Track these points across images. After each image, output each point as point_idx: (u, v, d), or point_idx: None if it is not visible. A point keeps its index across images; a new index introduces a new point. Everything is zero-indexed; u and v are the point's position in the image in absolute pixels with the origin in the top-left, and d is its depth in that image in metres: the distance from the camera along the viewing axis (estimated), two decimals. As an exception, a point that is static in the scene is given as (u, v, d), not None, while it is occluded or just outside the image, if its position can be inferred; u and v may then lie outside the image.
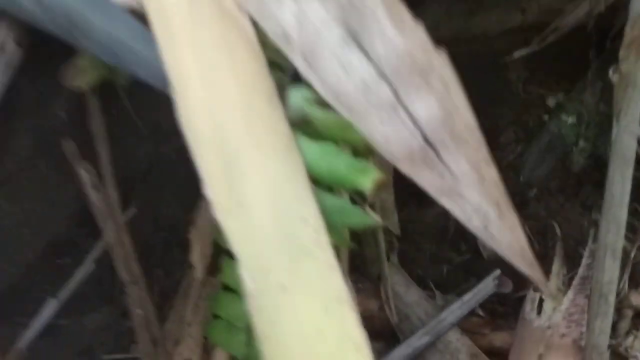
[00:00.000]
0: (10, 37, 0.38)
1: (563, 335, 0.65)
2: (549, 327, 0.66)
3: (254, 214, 0.31)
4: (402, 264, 0.93)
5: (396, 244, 0.88)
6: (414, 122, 0.32)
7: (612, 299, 0.59)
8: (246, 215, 0.31)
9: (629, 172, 0.56)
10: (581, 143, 0.80)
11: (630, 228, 0.86)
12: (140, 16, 0.36)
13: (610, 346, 0.77)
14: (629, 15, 0.55)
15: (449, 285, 0.90)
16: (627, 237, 0.84)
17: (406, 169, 0.33)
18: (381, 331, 0.78)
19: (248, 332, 0.46)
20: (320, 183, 0.33)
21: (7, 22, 0.38)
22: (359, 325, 0.31)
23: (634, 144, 0.56)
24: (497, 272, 0.75)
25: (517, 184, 1.06)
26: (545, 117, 0.87)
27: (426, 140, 0.32)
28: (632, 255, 0.74)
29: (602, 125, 0.80)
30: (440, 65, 0.31)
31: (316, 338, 0.30)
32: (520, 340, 0.67)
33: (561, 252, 0.81)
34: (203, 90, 0.33)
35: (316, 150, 0.33)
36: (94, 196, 0.46)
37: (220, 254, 0.49)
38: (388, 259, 0.83)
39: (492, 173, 0.33)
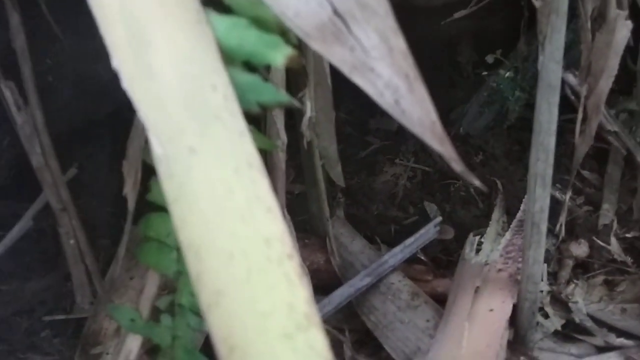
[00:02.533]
0: None
1: (500, 270, 0.66)
2: (486, 264, 0.67)
3: (162, 81, 0.31)
4: (353, 226, 0.94)
5: (342, 199, 0.88)
6: (345, 24, 0.32)
7: (543, 227, 0.60)
8: (155, 83, 0.31)
9: (555, 99, 0.57)
10: (517, 93, 0.82)
11: (561, 182, 0.89)
12: None
13: (551, 292, 0.79)
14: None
15: (397, 243, 0.91)
16: (558, 189, 0.86)
17: (318, 46, 0.33)
18: (328, 283, 0.77)
19: (178, 249, 0.45)
20: (232, 59, 0.33)
21: None
22: (270, 189, 0.30)
23: (559, 71, 0.57)
24: (439, 219, 0.76)
25: (464, 153, 1.08)
26: (484, 73, 0.88)
27: (335, 12, 0.33)
28: (565, 204, 0.75)
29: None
30: None
31: (226, 197, 0.29)
32: (459, 277, 0.68)
33: (502, 202, 0.83)
34: None
35: (226, 25, 0.33)
36: (18, 118, 0.45)
37: (150, 172, 0.48)
38: (334, 213, 0.83)
39: (400, 44, 0.33)
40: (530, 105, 0.85)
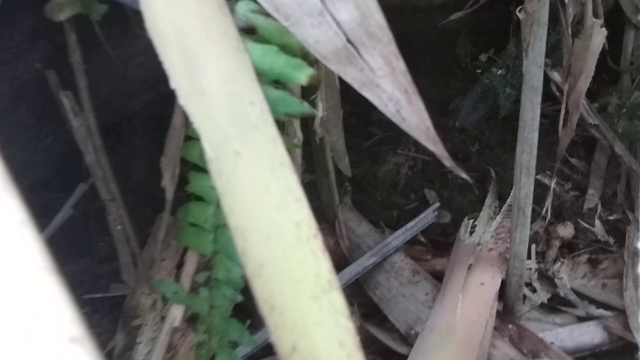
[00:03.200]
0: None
1: (490, 250, 0.74)
2: (478, 244, 0.75)
3: (211, 99, 0.39)
4: (359, 204, 1.01)
5: (349, 187, 0.96)
6: (338, 25, 0.40)
7: (528, 211, 0.68)
8: (206, 100, 0.39)
9: (537, 99, 0.64)
10: (508, 90, 0.89)
11: (550, 169, 0.96)
12: None
13: (538, 269, 0.87)
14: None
15: (399, 227, 0.99)
16: (548, 175, 0.94)
17: (334, 67, 0.41)
18: (337, 263, 0.85)
19: (214, 231, 0.53)
20: (264, 79, 0.41)
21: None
22: (299, 184, 0.38)
23: (541, 74, 0.64)
24: (437, 205, 0.83)
25: (462, 143, 1.16)
26: (478, 71, 0.96)
27: (348, 40, 0.40)
28: (551, 190, 0.83)
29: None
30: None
31: (264, 190, 0.37)
32: (454, 256, 0.76)
33: (494, 189, 0.90)
34: (165, 1, 0.40)
35: (260, 51, 0.41)
36: (74, 122, 0.53)
37: (189, 170, 0.56)
38: (342, 200, 0.91)
39: (400, 65, 0.40)
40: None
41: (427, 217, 0.81)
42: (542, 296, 0.80)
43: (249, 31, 0.41)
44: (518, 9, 0.62)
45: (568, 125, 0.74)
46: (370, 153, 1.19)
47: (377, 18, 0.40)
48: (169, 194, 0.60)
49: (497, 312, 0.69)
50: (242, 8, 0.41)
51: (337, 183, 0.91)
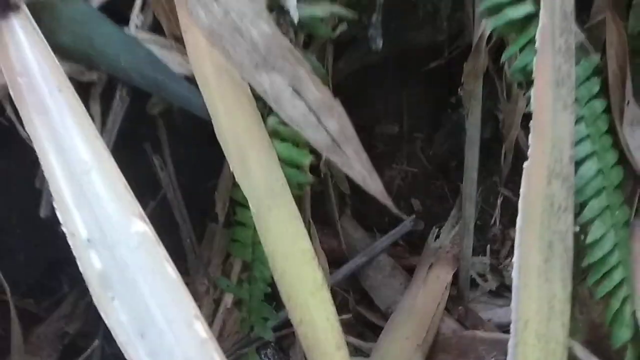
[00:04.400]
0: (123, 89, 0.72)
1: (447, 252, 1.00)
2: (440, 247, 1.01)
3: (254, 176, 0.66)
4: (357, 214, 1.28)
5: (349, 201, 1.23)
6: (327, 131, 0.66)
7: (471, 226, 0.94)
8: (250, 177, 0.66)
9: (475, 149, 0.90)
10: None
11: (506, 183, 1.21)
12: (192, 80, 0.70)
13: (491, 264, 1.13)
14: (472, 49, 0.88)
15: (389, 231, 1.25)
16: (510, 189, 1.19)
17: (326, 154, 0.67)
18: (338, 260, 1.12)
19: (252, 246, 0.80)
20: (284, 162, 0.68)
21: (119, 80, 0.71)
22: (304, 226, 0.65)
23: (478, 132, 0.90)
24: (413, 216, 1.09)
25: (446, 159, 1.41)
26: (449, 110, 1.21)
27: (333, 139, 0.67)
28: (498, 204, 1.08)
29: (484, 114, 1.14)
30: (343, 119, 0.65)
31: (284, 231, 0.64)
32: (423, 257, 1.02)
33: (459, 202, 1.16)
34: (227, 118, 0.67)
35: (281, 146, 0.67)
36: (162, 174, 0.80)
37: (236, 205, 0.83)
38: (343, 212, 1.17)
39: (359, 147, 0.67)
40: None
41: (405, 225, 1.08)
42: (492, 284, 1.06)
43: (274, 134, 0.68)
44: (459, 88, 0.88)
45: (505, 161, 0.99)
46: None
47: (349, 127, 0.66)
48: (221, 217, 0.87)
49: (452, 296, 0.96)
50: (271, 120, 0.68)
51: (339, 197, 1.18)
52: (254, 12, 0.65)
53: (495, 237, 1.18)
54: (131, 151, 0.80)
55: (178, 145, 0.84)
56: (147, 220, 0.56)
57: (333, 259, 1.08)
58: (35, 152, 0.62)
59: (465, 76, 0.85)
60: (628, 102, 1.01)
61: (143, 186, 0.90)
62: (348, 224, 1.13)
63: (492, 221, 1.10)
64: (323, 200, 1.19)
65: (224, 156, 0.65)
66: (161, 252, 0.55)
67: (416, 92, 1.35)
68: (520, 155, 1.07)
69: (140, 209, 0.57)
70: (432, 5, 1.01)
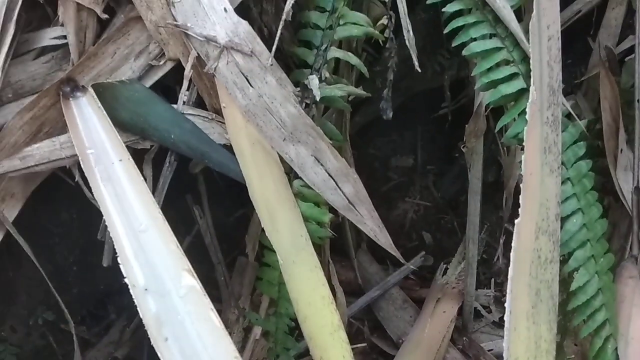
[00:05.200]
0: (171, 156, 0.84)
1: (453, 287, 1.10)
2: (446, 283, 1.11)
3: (281, 233, 0.77)
4: (372, 248, 1.38)
5: (364, 235, 1.33)
6: (344, 194, 0.77)
7: (474, 265, 1.04)
8: (278, 233, 0.77)
9: (477, 197, 1.00)
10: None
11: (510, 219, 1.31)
12: (229, 148, 0.82)
13: (495, 296, 1.23)
14: (473, 113, 0.98)
15: (402, 263, 1.35)
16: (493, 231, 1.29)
17: (343, 213, 0.79)
18: (355, 291, 1.23)
19: (278, 285, 0.92)
20: (307, 220, 0.79)
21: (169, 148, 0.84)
22: (324, 276, 0.76)
23: (479, 184, 1.00)
24: (423, 252, 1.20)
25: (455, 193, 1.50)
26: (456, 157, 1.31)
27: (348, 200, 0.78)
28: (502, 239, 1.18)
29: (487, 160, 1.24)
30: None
31: (307, 280, 0.76)
32: (431, 291, 1.12)
33: (464, 240, 1.26)
34: (259, 182, 0.79)
35: (304, 206, 0.79)
36: (200, 221, 0.92)
37: (263, 247, 0.94)
38: (360, 246, 1.28)
39: (369, 206, 0.78)
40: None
41: (416, 261, 1.18)
42: (495, 316, 1.16)
43: (299, 195, 0.79)
44: (461, 145, 0.98)
45: (507, 204, 1.09)
46: (385, 199, 1.54)
47: (362, 191, 0.77)
48: (251, 258, 0.99)
49: (457, 327, 1.05)
50: (296, 184, 0.79)
51: (356, 231, 1.28)
52: (282, 96, 0.77)
53: (499, 270, 1.28)
54: (173, 195, 0.91)
55: (215, 196, 0.96)
56: (195, 274, 0.68)
57: (350, 290, 1.19)
58: (92, 207, 0.75)
59: (467, 136, 0.96)
60: (621, 150, 1.11)
61: (181, 223, 1.03)
62: (363, 257, 1.24)
63: (496, 256, 1.20)
64: (341, 233, 1.30)
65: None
66: (206, 302, 0.66)
67: (430, 128, 1.45)
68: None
69: (189, 264, 0.69)
70: (439, 65, 1.12)
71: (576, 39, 1.23)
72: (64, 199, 0.86)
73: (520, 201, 0.79)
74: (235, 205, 1.03)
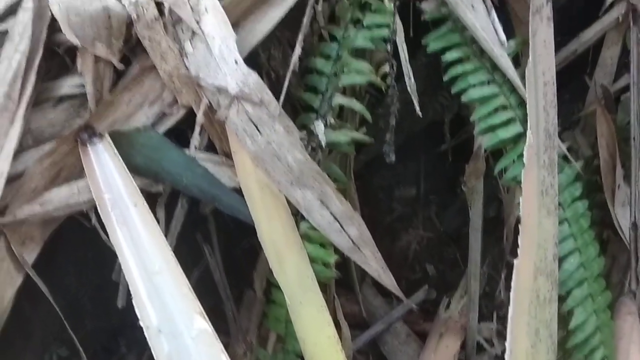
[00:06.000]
0: (183, 199, 0.87)
1: (456, 322, 1.12)
2: (449, 317, 1.14)
3: (288, 274, 0.80)
4: (376, 282, 1.40)
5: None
6: (349, 235, 0.80)
7: (476, 299, 1.07)
8: (286, 275, 0.80)
9: (478, 236, 1.03)
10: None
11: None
12: (239, 191, 0.85)
13: (498, 329, 1.25)
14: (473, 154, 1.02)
15: (407, 294, 1.37)
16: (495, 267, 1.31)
17: (348, 254, 0.82)
18: (359, 324, 1.25)
19: (285, 322, 0.94)
20: (313, 261, 0.82)
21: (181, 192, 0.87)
22: (330, 318, 0.79)
23: (480, 220, 1.03)
24: (426, 286, 1.23)
25: (460, 225, 1.53)
26: (458, 190, 1.34)
27: (353, 242, 0.81)
28: (504, 274, 1.20)
29: (488, 196, 1.28)
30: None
31: (313, 320, 0.78)
32: (435, 326, 1.15)
33: (468, 273, 1.29)
34: (267, 224, 0.82)
35: (310, 247, 0.82)
36: (211, 262, 0.96)
37: (271, 284, 0.97)
38: (364, 280, 1.31)
39: (374, 248, 0.81)
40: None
41: (419, 295, 1.21)
42: (497, 349, 1.18)
43: (305, 237, 0.83)
44: (463, 184, 1.01)
45: (507, 240, 1.12)
46: (389, 230, 1.57)
47: (366, 233, 0.81)
48: (259, 294, 1.02)
49: None
50: (303, 226, 0.83)
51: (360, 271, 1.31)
52: (290, 142, 0.80)
53: (501, 303, 1.30)
54: (182, 231, 0.94)
55: (223, 228, 0.99)
56: (206, 317, 0.71)
57: (355, 323, 1.21)
58: (107, 248, 0.78)
59: (467, 176, 0.99)
60: (619, 186, 1.14)
61: (191, 256, 1.06)
62: (368, 291, 1.26)
63: (498, 290, 1.22)
64: (345, 267, 1.32)
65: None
66: (217, 344, 0.69)
67: (433, 158, 1.48)
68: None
69: (200, 307, 0.72)
70: (440, 105, 1.16)
71: (573, 76, 1.27)
72: (80, 240, 0.90)
73: (519, 242, 0.82)
74: (243, 236, 1.06)
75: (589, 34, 1.18)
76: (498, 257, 1.30)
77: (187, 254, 0.88)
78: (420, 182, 1.52)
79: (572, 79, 1.27)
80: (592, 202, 0.99)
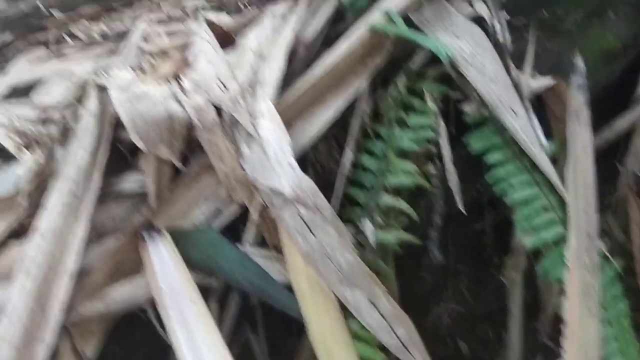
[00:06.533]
0: (235, 293, 0.90)
1: None
2: None
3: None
4: None
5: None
6: (397, 336, 0.83)
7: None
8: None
9: (516, 329, 1.05)
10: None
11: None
12: (289, 287, 0.88)
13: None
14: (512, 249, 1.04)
15: (440, 374, 1.38)
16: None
17: (391, 350, 0.84)
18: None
19: None
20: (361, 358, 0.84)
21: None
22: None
23: (519, 311, 1.05)
24: (458, 367, 1.24)
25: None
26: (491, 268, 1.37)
27: (402, 343, 0.83)
28: None
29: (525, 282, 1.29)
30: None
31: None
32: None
33: (501, 351, 1.29)
34: (317, 321, 0.84)
35: (360, 346, 0.84)
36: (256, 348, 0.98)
37: None
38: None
39: (416, 337, 0.83)
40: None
41: (453, 377, 1.22)
42: None
43: (355, 335, 0.85)
44: (501, 275, 1.03)
45: (545, 328, 1.13)
46: (420, 302, 1.58)
47: (415, 335, 0.83)
48: None
49: None
50: (352, 324, 0.85)
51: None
52: (341, 244, 0.84)
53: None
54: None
55: (269, 320, 1.02)
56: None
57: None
58: (165, 344, 0.81)
59: (507, 269, 1.02)
60: (652, 273, 1.15)
61: (234, 344, 1.08)
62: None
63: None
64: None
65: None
66: None
67: (461, 226, 1.51)
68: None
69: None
70: (476, 192, 1.19)
71: (605, 160, 1.30)
72: (138, 335, 0.92)
73: (563, 344, 0.84)
74: (289, 332, 1.08)
75: (622, 123, 1.22)
76: (533, 341, 1.31)
77: (232, 342, 0.90)
78: (449, 250, 1.54)
79: (603, 161, 1.30)
80: (627, 288, 1.01)
